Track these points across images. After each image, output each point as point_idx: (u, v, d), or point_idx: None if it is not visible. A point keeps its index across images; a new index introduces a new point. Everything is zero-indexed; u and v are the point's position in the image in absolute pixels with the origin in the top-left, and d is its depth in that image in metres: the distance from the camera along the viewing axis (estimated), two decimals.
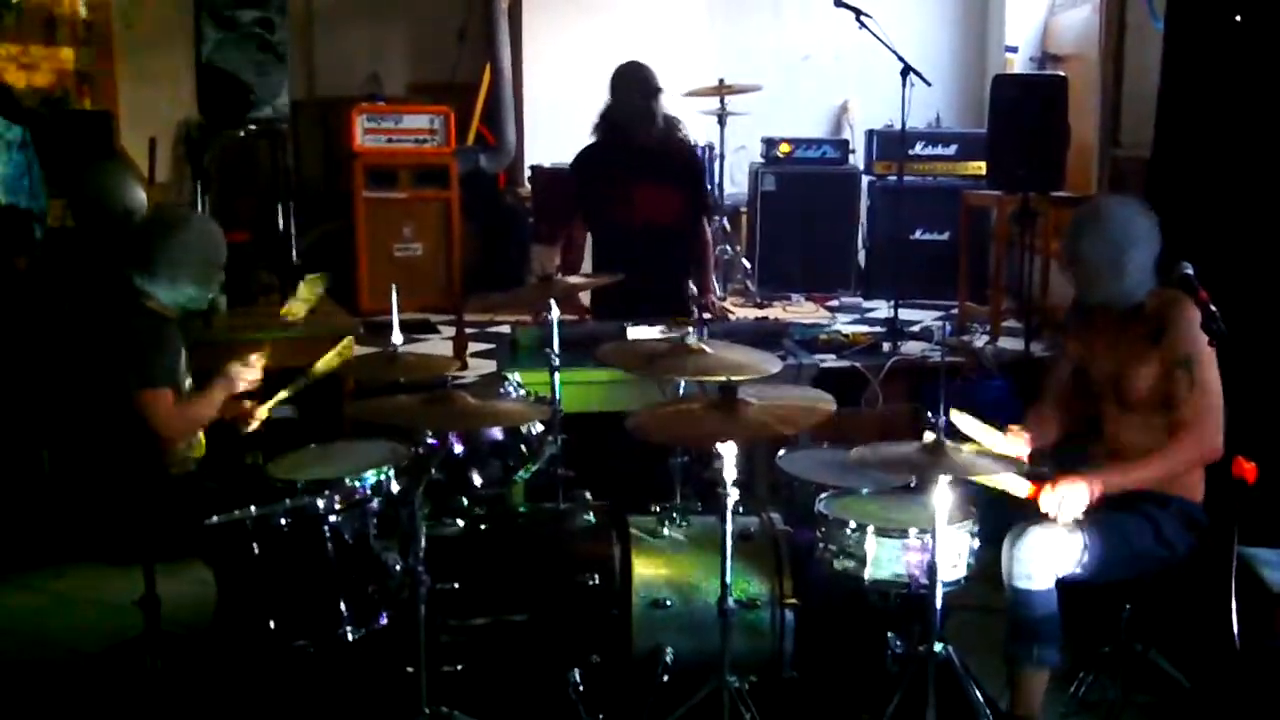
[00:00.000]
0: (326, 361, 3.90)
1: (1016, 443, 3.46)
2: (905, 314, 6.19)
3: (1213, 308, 3.24)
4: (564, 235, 5.45)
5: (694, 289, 5.24)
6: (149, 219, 4.11)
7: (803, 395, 3.31)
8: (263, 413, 3.88)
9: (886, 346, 5.75)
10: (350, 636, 3.22)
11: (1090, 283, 3.40)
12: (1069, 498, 3.17)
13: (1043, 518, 3.22)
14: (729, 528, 3.05)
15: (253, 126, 5.22)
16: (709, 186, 6.18)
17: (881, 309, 7.00)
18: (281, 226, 5.33)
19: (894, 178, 7.05)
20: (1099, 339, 3.49)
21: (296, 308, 5.03)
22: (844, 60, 8.06)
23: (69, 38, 7.18)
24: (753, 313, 6.81)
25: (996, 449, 3.34)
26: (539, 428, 3.73)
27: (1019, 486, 3.21)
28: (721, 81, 7.26)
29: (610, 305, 5.00)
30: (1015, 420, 3.59)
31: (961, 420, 3.35)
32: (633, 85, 5.09)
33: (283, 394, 3.90)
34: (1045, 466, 3.38)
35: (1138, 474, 3.28)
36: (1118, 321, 3.42)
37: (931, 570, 3.00)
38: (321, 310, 5.45)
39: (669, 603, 3.40)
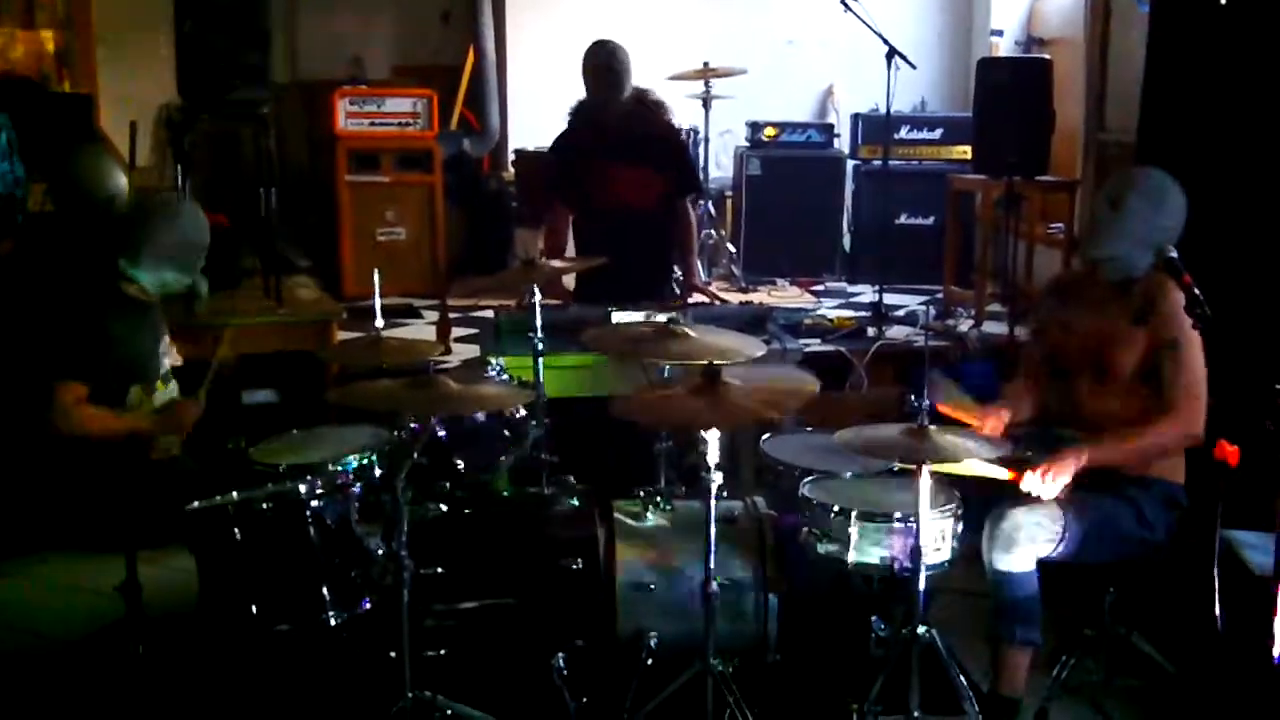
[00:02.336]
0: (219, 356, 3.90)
1: (994, 423, 3.46)
2: (890, 298, 6.21)
3: (1196, 291, 3.25)
4: (546, 219, 5.44)
5: (679, 273, 5.28)
6: (137, 205, 4.08)
7: (786, 376, 3.30)
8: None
9: (871, 331, 5.76)
10: (333, 621, 3.21)
11: (1114, 235, 3.35)
12: (1052, 475, 3.18)
13: (1023, 500, 3.22)
14: (713, 512, 3.05)
15: (234, 110, 5.19)
16: (694, 167, 6.15)
17: (866, 293, 7.01)
18: (264, 210, 5.30)
19: (879, 162, 7.05)
20: (1080, 314, 3.49)
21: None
22: (829, 44, 8.06)
23: (48, 20, 7.13)
24: (737, 297, 6.81)
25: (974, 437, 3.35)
26: (522, 412, 3.72)
27: (998, 472, 3.21)
28: (706, 65, 7.24)
29: (593, 289, 4.99)
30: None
31: (946, 393, 3.37)
32: (593, 59, 5.07)
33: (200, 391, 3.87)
34: (1027, 450, 3.37)
35: (1118, 449, 3.28)
36: (1103, 297, 3.42)
37: (915, 554, 3.00)
38: (306, 296, 5.43)
39: (653, 587, 3.40)
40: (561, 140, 5.31)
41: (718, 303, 5.32)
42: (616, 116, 5.06)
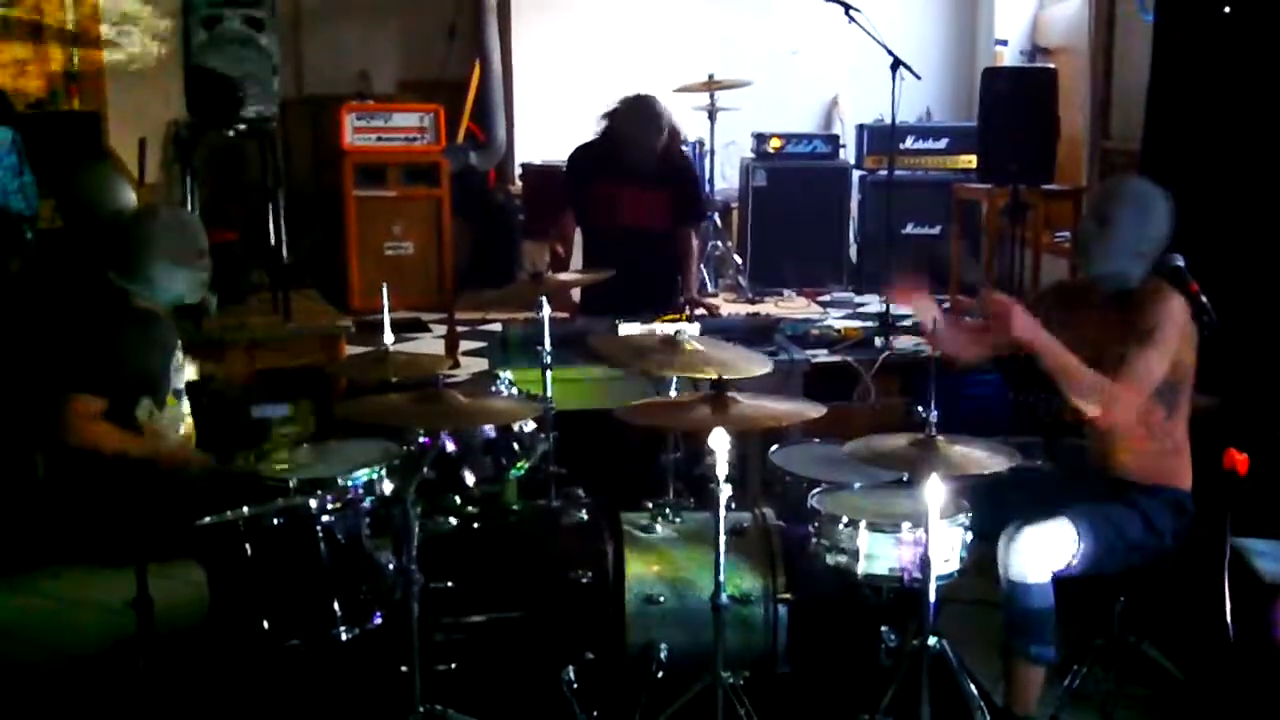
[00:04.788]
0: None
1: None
2: (897, 308, 6.19)
3: (1204, 299, 3.25)
4: (555, 227, 5.47)
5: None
6: (119, 219, 4.07)
7: (791, 405, 3.31)
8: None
9: (878, 341, 5.76)
10: (344, 636, 3.21)
11: (1106, 252, 3.35)
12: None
13: (1038, 515, 3.22)
14: (722, 523, 3.05)
15: (242, 126, 5.20)
16: (701, 197, 6.18)
17: (873, 303, 7.01)
18: (272, 225, 5.32)
19: (884, 172, 7.06)
20: (1080, 325, 3.48)
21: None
22: (834, 55, 8.07)
23: (57, 38, 7.16)
24: (744, 308, 6.83)
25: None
26: (531, 425, 3.72)
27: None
28: (711, 77, 7.26)
29: (598, 302, 5.00)
30: (1005, 419, 3.60)
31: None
32: (640, 122, 5.10)
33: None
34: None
35: (1060, 360, 3.25)
36: (1102, 307, 3.42)
37: (925, 564, 3.00)
38: (312, 323, 5.43)
39: (662, 599, 3.40)
40: (580, 154, 5.34)
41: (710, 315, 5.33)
42: (641, 158, 5.11)
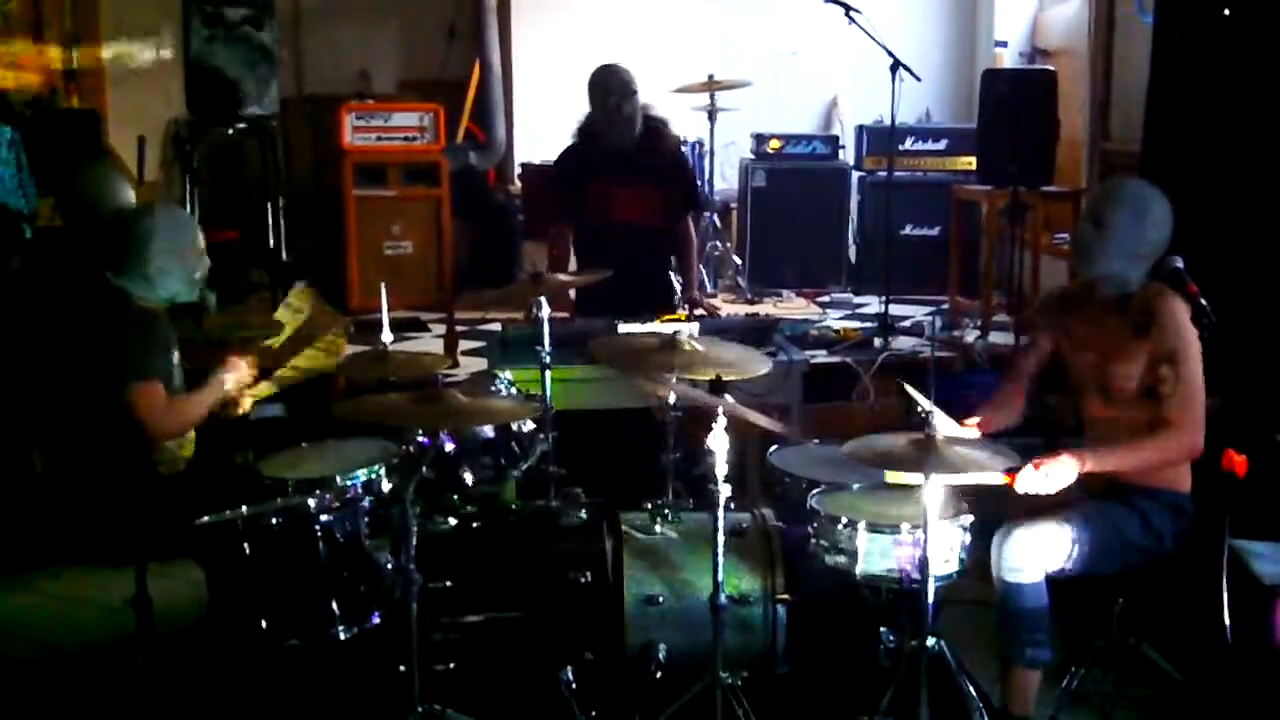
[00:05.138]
0: (311, 358, 3.89)
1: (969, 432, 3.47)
2: (896, 309, 6.21)
3: (1203, 301, 3.25)
4: (555, 228, 5.47)
5: (679, 286, 5.29)
6: (114, 218, 4.07)
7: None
8: (248, 403, 3.87)
9: (877, 342, 5.77)
10: (342, 636, 3.21)
11: (1103, 254, 3.34)
12: (1052, 474, 3.17)
13: (1031, 514, 3.22)
14: (721, 524, 3.05)
15: (242, 125, 5.21)
16: (698, 183, 6.16)
17: (872, 304, 7.02)
18: (271, 224, 5.32)
19: (884, 173, 7.06)
20: (1081, 330, 3.49)
21: (284, 316, 4.86)
22: (833, 55, 8.08)
23: (56, 36, 7.16)
24: (743, 309, 6.83)
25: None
26: (530, 425, 3.73)
27: (993, 477, 3.18)
28: (711, 77, 7.26)
29: (595, 302, 5.00)
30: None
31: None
32: (604, 89, 5.09)
33: (267, 387, 3.89)
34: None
35: (1118, 459, 3.27)
36: (1102, 312, 3.42)
37: (923, 565, 3.00)
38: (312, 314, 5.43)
39: (661, 599, 3.40)
40: (565, 156, 5.33)
41: (721, 314, 5.33)
42: (622, 139, 5.08)
